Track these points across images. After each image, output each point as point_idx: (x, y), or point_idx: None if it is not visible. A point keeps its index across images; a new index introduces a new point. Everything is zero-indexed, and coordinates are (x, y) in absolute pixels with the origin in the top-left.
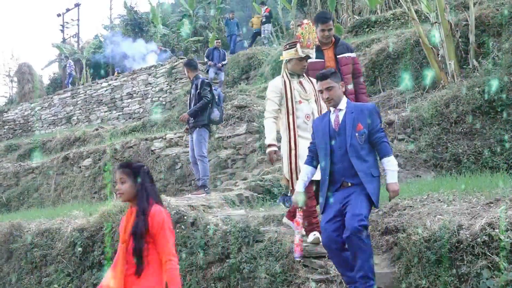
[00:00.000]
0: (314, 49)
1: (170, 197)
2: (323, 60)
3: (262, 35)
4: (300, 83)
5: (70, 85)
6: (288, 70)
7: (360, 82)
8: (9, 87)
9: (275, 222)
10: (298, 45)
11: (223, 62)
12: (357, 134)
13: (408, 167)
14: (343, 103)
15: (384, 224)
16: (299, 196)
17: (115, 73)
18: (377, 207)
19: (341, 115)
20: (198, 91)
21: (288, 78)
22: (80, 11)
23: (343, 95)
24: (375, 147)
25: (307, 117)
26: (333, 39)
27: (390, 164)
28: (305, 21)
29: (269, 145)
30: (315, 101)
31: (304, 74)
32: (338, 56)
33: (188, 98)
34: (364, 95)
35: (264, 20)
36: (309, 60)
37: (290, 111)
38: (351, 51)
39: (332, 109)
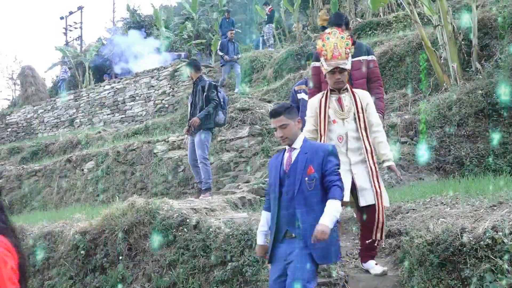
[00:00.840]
0: (349, 58)
1: (173, 199)
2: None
3: (265, 37)
4: (339, 100)
5: (61, 91)
6: (328, 85)
7: (376, 86)
8: (12, 90)
9: None
10: (322, 59)
11: (238, 56)
12: (307, 178)
13: (411, 170)
14: (299, 142)
15: (387, 227)
16: (260, 249)
17: (105, 79)
18: (332, 262)
19: (294, 155)
20: (205, 93)
21: (327, 95)
22: (83, 14)
23: (299, 133)
24: (327, 191)
25: (340, 138)
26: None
27: (331, 207)
28: (328, 30)
29: None
30: (355, 119)
31: (349, 88)
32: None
33: (191, 100)
34: (379, 100)
35: (266, 20)
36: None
37: (322, 132)
38: (369, 54)
39: (286, 147)
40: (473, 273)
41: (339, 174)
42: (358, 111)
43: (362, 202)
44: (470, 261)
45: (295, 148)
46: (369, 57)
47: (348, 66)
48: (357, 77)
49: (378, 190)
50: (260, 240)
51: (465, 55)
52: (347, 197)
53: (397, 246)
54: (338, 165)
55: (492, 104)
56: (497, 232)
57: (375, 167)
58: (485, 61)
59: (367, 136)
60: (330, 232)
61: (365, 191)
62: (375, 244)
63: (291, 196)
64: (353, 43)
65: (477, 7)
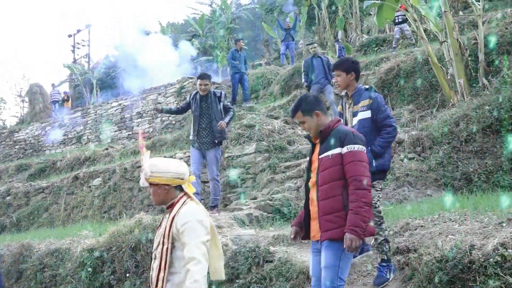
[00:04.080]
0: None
1: None
2: None
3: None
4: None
5: (56, 114)
6: None
7: (353, 201)
8: (20, 107)
9: (285, 242)
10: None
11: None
12: None
13: (419, 186)
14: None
15: (395, 244)
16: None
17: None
18: None
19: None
20: (222, 103)
21: None
22: (91, 32)
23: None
24: None
25: None
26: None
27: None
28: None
29: None
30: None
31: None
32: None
33: (198, 112)
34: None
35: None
36: None
37: None
38: (344, 144)
39: None
40: None
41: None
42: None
43: None
44: (480, 278)
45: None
46: (345, 149)
47: (141, 183)
48: (324, 180)
49: None
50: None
51: (472, 71)
52: None
53: (405, 263)
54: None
55: (499, 119)
56: (506, 249)
57: None
58: (492, 77)
59: None
60: None
61: None
62: None
63: None
64: (326, 130)
65: (483, 23)
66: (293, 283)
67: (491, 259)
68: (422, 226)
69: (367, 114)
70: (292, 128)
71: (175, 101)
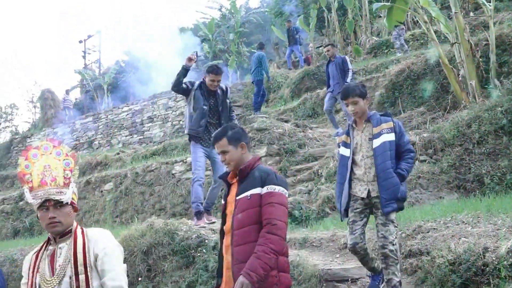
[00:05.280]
0: (70, 186)
1: (191, 220)
2: None
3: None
4: (52, 256)
5: (68, 119)
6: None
7: (259, 253)
8: (33, 112)
9: (296, 245)
10: (25, 188)
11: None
12: None
13: (431, 189)
14: None
15: (407, 247)
16: None
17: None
18: None
19: None
20: (229, 100)
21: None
22: (101, 38)
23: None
24: None
25: None
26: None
27: None
28: (37, 143)
29: None
30: None
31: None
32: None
33: (206, 106)
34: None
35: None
36: None
37: None
38: (265, 182)
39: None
40: None
41: None
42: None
43: None
44: (494, 281)
45: None
46: (265, 189)
47: (66, 197)
48: (240, 224)
49: None
50: None
51: (483, 72)
52: None
53: (418, 266)
54: None
55: None
56: None
57: None
58: (504, 78)
59: None
60: None
61: None
62: None
63: None
64: (246, 169)
65: (494, 24)
66: (305, 287)
67: (505, 262)
68: (434, 228)
69: (392, 136)
70: (303, 131)
71: (186, 105)
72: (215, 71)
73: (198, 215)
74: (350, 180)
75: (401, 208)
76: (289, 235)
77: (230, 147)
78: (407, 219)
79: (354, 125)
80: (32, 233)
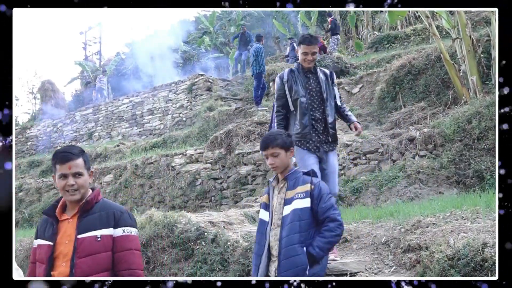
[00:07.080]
0: None
1: (191, 213)
2: None
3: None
4: None
5: (96, 99)
6: None
7: None
8: (32, 104)
9: None
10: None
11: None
12: None
13: (430, 184)
14: None
15: (406, 241)
16: None
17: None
18: None
19: None
20: (335, 87)
21: None
22: (102, 30)
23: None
24: None
25: None
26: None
27: None
28: None
29: None
30: None
31: None
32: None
33: (307, 94)
34: None
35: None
36: None
37: None
38: (117, 225)
39: None
40: None
41: None
42: None
43: None
44: (492, 277)
45: None
46: (119, 231)
47: None
48: (85, 271)
49: None
50: None
51: (485, 68)
52: None
53: (417, 261)
54: None
55: None
56: None
57: None
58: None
59: None
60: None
61: None
62: None
63: None
64: (91, 202)
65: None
66: None
67: None
68: (433, 223)
69: (306, 202)
70: None
71: (186, 98)
72: (307, 40)
73: None
74: (269, 251)
75: None
76: None
77: (85, 171)
78: (406, 214)
79: (274, 184)
80: (31, 224)
